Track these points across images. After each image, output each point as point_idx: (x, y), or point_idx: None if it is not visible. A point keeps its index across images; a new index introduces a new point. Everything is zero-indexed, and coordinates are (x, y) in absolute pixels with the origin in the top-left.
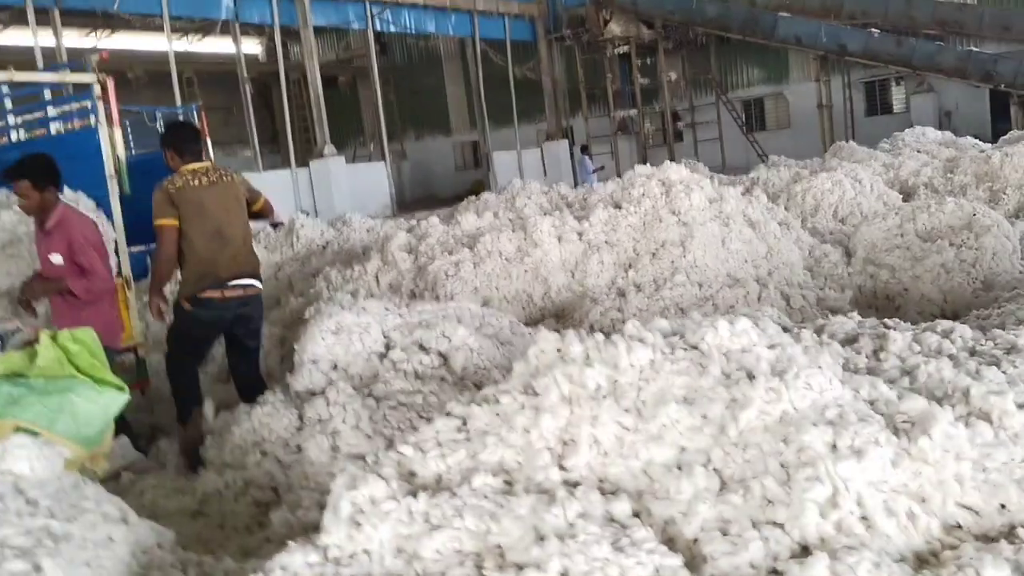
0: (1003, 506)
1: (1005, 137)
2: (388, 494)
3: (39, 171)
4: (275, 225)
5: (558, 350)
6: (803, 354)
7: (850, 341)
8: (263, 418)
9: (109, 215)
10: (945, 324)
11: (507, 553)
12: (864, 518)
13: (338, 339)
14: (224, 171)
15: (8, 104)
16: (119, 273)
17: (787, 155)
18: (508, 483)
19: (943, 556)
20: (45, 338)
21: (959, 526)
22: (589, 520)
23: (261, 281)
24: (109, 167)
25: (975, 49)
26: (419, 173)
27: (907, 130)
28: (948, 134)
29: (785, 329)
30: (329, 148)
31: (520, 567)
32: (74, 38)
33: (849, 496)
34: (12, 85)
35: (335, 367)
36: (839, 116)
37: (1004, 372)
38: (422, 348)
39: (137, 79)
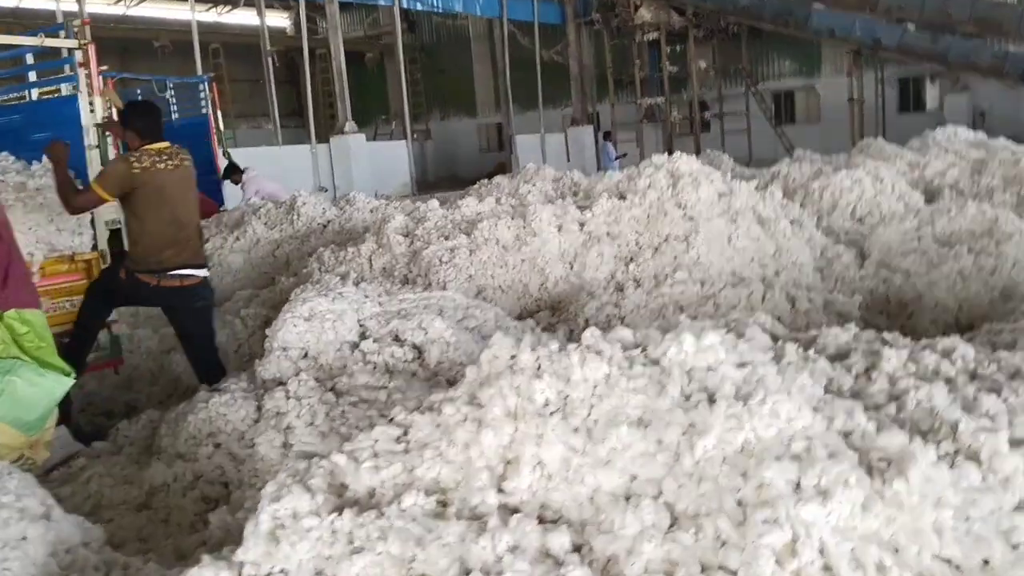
0: (986, 561)
1: None
2: (311, 509)
3: None
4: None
5: (512, 357)
6: (776, 375)
7: (841, 357)
8: (220, 408)
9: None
10: (946, 342)
11: None
12: (827, 568)
13: (310, 326)
14: (183, 154)
15: None
16: (94, 247)
17: (815, 150)
18: (443, 504)
19: None
20: None
21: None
22: (521, 554)
23: (207, 268)
24: (90, 137)
25: (1012, 49)
26: (443, 153)
27: (938, 129)
28: (980, 134)
29: (775, 338)
30: (350, 125)
31: None
32: (99, 5)
33: (811, 543)
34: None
35: (305, 355)
36: (870, 112)
37: (1004, 400)
38: (397, 340)
39: (163, 48)
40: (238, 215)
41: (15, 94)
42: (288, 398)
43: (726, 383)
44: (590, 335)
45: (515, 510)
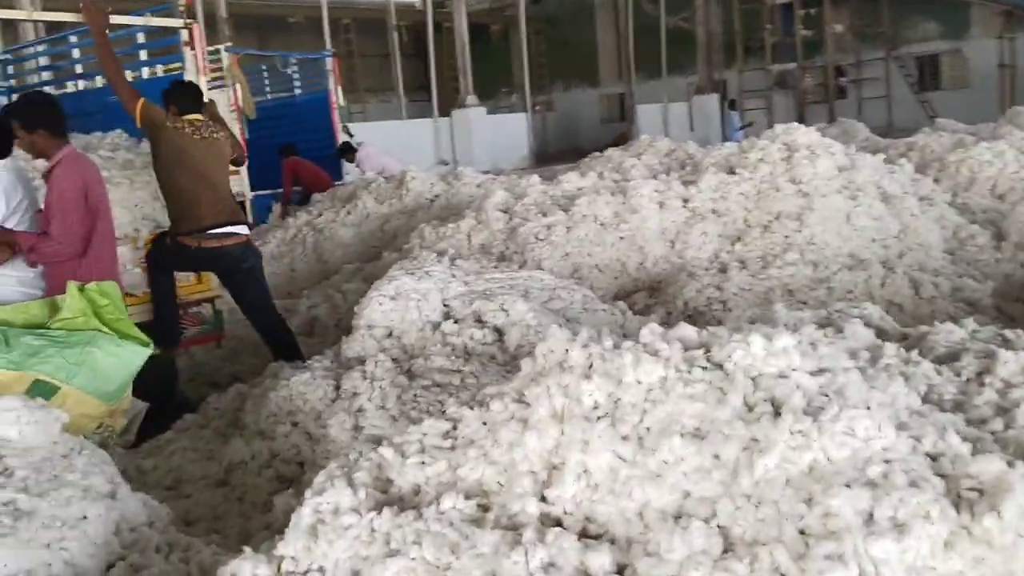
0: None
1: None
2: (352, 505)
3: (23, 112)
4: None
5: (566, 352)
6: (862, 383)
7: (951, 358)
8: (300, 386)
9: None
10: None
11: None
12: None
13: (395, 305)
14: (215, 130)
15: None
16: None
17: (961, 118)
18: (484, 508)
19: None
20: (72, 289)
21: None
22: (556, 573)
23: (249, 228)
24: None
25: None
26: (565, 125)
27: None
28: None
29: (881, 333)
30: (471, 98)
31: None
32: None
33: None
34: (110, 28)
35: (390, 334)
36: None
37: None
38: (479, 321)
39: (298, 24)
40: (350, 189)
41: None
42: (364, 379)
43: (796, 394)
44: (648, 332)
45: (557, 521)
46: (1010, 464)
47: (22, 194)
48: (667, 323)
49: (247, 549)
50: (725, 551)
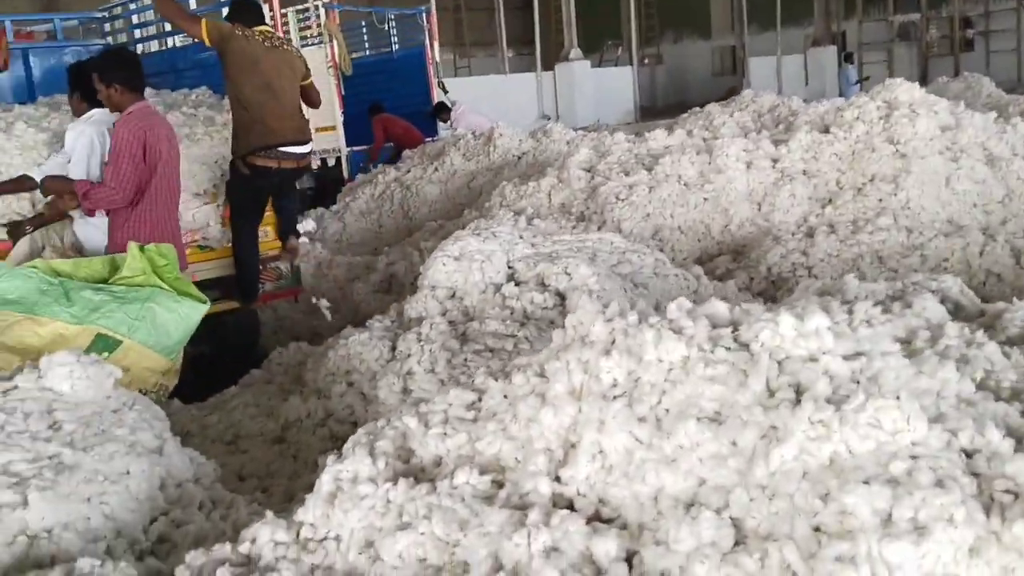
0: None
1: None
2: (371, 475)
3: (101, 65)
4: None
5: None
6: (905, 369)
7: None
8: (358, 345)
9: None
10: None
11: None
12: None
13: (459, 266)
14: (287, 42)
15: None
16: None
17: None
18: (499, 484)
19: None
20: (133, 248)
21: None
22: (558, 558)
23: (311, 143)
24: None
25: None
26: (674, 78)
27: None
28: None
29: (958, 309)
30: (575, 51)
31: None
32: None
33: None
34: None
35: (453, 295)
36: None
37: None
38: (542, 284)
39: None
40: (439, 145)
41: None
42: (419, 341)
43: (821, 380)
44: (676, 307)
45: (570, 502)
46: None
47: (103, 154)
48: (749, 288)
49: (269, 513)
50: (736, 543)
